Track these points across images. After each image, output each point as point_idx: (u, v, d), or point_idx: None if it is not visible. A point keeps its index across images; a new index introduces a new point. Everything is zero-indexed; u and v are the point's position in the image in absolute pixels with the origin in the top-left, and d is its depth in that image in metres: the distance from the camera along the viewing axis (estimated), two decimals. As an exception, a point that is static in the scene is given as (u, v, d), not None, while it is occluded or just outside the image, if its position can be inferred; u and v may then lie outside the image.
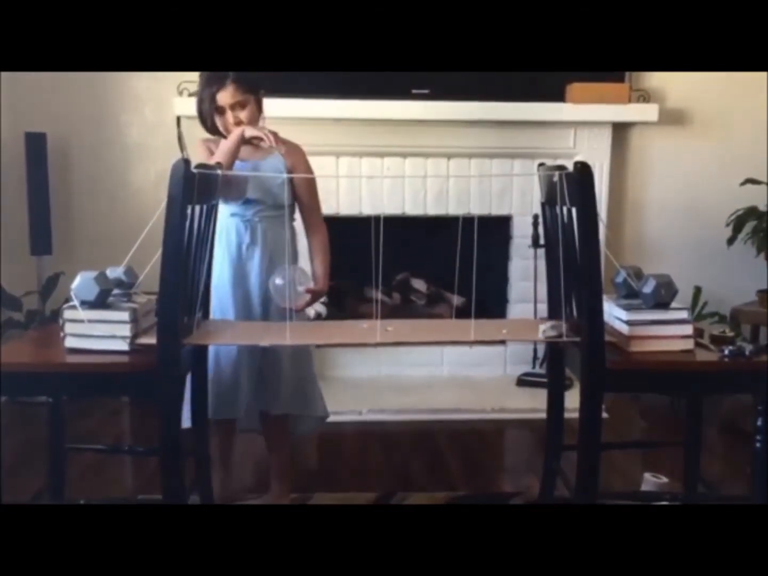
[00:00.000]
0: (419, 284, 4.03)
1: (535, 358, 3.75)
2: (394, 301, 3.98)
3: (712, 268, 3.73)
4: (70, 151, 3.62)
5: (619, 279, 1.95)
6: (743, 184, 3.54)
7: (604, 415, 2.56)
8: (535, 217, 3.50)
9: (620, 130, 3.77)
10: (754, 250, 3.57)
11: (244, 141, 2.15)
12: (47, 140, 3.45)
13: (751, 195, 3.55)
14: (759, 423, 1.86)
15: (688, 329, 1.86)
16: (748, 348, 1.84)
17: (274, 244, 2.23)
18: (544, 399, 2.21)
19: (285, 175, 2.18)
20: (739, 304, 3.54)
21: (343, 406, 3.27)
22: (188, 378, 2.00)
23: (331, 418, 2.45)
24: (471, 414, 3.36)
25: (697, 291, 3.58)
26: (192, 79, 2.28)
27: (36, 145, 3.43)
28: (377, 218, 2.06)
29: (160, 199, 1.69)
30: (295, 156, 2.27)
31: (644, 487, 2.43)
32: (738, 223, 3.53)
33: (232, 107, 2.17)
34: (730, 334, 1.96)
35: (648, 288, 1.84)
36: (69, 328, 1.78)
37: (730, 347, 1.84)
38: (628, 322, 1.83)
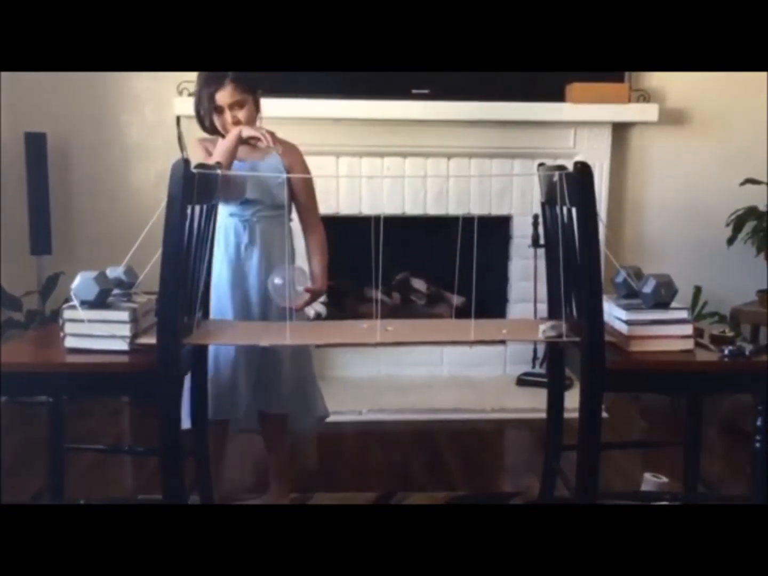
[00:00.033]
0: (419, 284, 4.03)
1: (535, 358, 3.75)
2: (394, 301, 3.98)
3: (712, 268, 3.73)
4: (70, 151, 3.62)
5: (619, 279, 1.95)
6: (743, 184, 3.54)
7: (604, 415, 2.57)
8: (535, 217, 3.50)
9: (620, 130, 3.77)
10: (754, 250, 3.58)
11: (241, 141, 2.15)
12: (47, 140, 3.45)
13: (751, 195, 3.55)
14: (759, 423, 1.86)
15: (688, 329, 1.86)
16: (748, 348, 1.84)
17: (273, 244, 2.23)
18: (544, 399, 2.21)
19: (285, 175, 2.18)
20: (739, 304, 3.54)
21: (343, 405, 3.27)
22: (186, 379, 2.00)
23: (331, 418, 2.45)
24: (471, 414, 3.36)
25: (697, 291, 3.58)
26: (192, 79, 2.28)
27: (36, 145, 3.43)
28: (377, 218, 2.06)
29: (160, 199, 1.69)
30: (293, 156, 2.28)
31: (644, 487, 2.43)
32: (738, 223, 3.53)
33: (231, 107, 2.17)
34: (730, 334, 1.96)
35: (648, 288, 1.84)
36: (69, 328, 1.78)
37: (730, 347, 1.84)
38: (628, 322, 1.83)
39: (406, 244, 3.66)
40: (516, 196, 3.73)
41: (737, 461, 2.74)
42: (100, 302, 1.77)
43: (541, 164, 2.10)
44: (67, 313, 1.78)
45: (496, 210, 3.74)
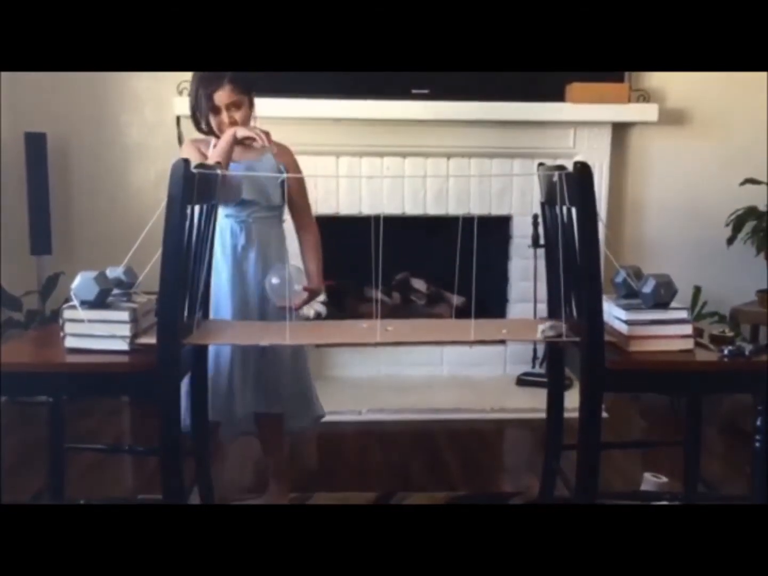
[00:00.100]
0: (419, 284, 4.03)
1: (534, 357, 3.75)
2: (394, 301, 3.98)
3: (712, 268, 3.73)
4: (70, 151, 3.62)
5: (619, 279, 1.95)
6: (743, 184, 3.54)
7: (604, 415, 2.57)
8: (535, 217, 3.50)
9: (620, 130, 3.77)
10: (754, 249, 3.58)
11: (236, 141, 2.15)
12: (47, 140, 3.45)
13: (751, 195, 3.55)
14: (759, 423, 1.86)
15: (687, 329, 1.86)
16: (748, 348, 1.84)
17: (269, 245, 2.25)
18: (544, 399, 2.21)
19: (285, 175, 2.19)
20: (738, 304, 3.55)
21: (343, 405, 3.27)
22: (184, 382, 1.99)
23: (331, 418, 2.45)
24: (471, 414, 3.36)
25: (697, 291, 3.58)
26: (192, 79, 2.28)
27: (36, 145, 3.43)
28: (377, 218, 2.06)
29: (160, 199, 1.69)
30: (287, 156, 2.30)
31: (644, 487, 2.43)
32: (738, 223, 3.53)
33: (228, 107, 2.17)
34: (729, 334, 1.96)
35: (647, 288, 1.84)
36: (69, 328, 1.78)
37: (730, 347, 1.84)
38: (628, 322, 1.83)
39: (406, 244, 3.65)
40: (516, 196, 3.73)
41: (737, 461, 2.74)
42: (100, 302, 1.77)
43: (540, 164, 2.10)
44: (67, 313, 1.78)
45: (496, 210, 3.74)
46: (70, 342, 1.79)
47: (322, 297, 3.06)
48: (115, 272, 1.91)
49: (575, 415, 1.83)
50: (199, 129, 2.24)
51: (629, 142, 3.82)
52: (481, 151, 3.68)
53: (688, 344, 1.86)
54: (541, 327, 1.88)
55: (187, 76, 2.25)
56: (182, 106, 3.30)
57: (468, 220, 2.06)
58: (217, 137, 2.19)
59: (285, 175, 2.19)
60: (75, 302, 1.77)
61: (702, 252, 3.78)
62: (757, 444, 1.86)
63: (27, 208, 3.44)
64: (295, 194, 2.29)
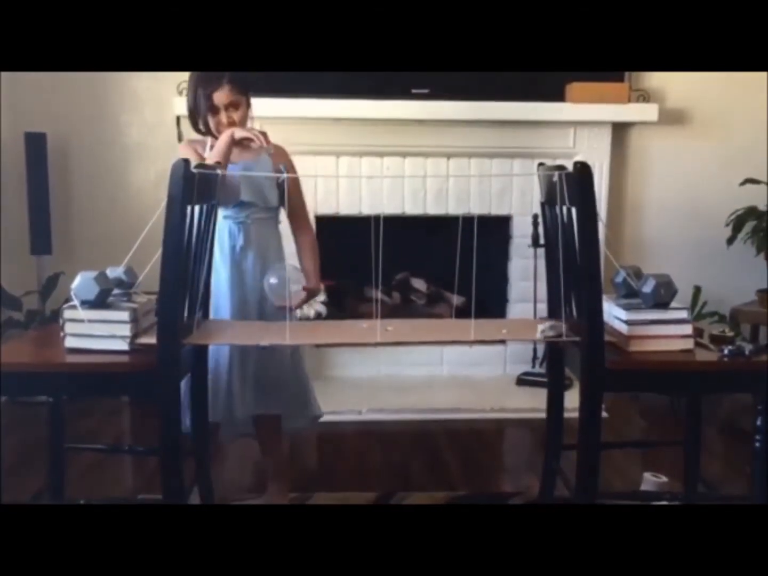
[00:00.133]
0: (419, 284, 4.03)
1: (534, 357, 3.75)
2: (394, 301, 3.98)
3: (712, 268, 3.73)
4: (70, 151, 3.62)
5: (619, 279, 1.95)
6: (743, 184, 3.54)
7: (604, 414, 2.57)
8: (535, 216, 3.50)
9: (620, 130, 3.77)
10: (754, 249, 3.58)
11: (234, 142, 2.15)
12: (47, 140, 3.45)
13: (751, 195, 3.55)
14: (759, 423, 1.86)
15: (687, 329, 1.86)
16: (748, 348, 1.84)
17: (267, 245, 2.26)
18: (544, 399, 2.21)
19: (286, 175, 2.19)
20: (738, 304, 3.54)
21: (343, 405, 3.27)
22: (183, 384, 1.99)
23: (331, 418, 2.45)
24: (471, 414, 3.36)
25: (697, 291, 3.58)
26: (192, 79, 2.28)
27: (36, 145, 3.43)
28: (377, 218, 2.06)
29: (160, 199, 1.69)
30: (283, 157, 2.31)
31: (644, 487, 2.43)
32: (738, 222, 3.53)
33: (227, 107, 2.18)
34: (729, 333, 1.96)
35: (647, 288, 1.84)
36: (69, 328, 1.78)
37: (730, 347, 1.84)
38: (628, 322, 1.83)
39: (406, 244, 3.65)
40: (516, 196, 3.73)
41: (737, 461, 2.74)
42: (100, 302, 1.77)
43: (540, 164, 2.10)
44: (68, 313, 1.78)
45: (496, 210, 3.74)
46: (70, 342, 1.79)
47: (322, 297, 3.06)
48: (115, 272, 1.91)
49: (575, 415, 1.83)
50: (196, 129, 2.24)
51: (629, 142, 3.82)
52: (481, 151, 3.68)
53: (688, 344, 1.86)
54: (541, 327, 1.88)
55: (187, 76, 2.25)
56: (182, 106, 3.27)
57: (468, 220, 2.06)
58: (215, 137, 2.19)
59: (284, 175, 2.19)
60: (75, 302, 1.77)
61: (702, 252, 3.78)
62: (757, 444, 1.86)
63: (27, 208, 3.45)
64: (292, 195, 2.29)
